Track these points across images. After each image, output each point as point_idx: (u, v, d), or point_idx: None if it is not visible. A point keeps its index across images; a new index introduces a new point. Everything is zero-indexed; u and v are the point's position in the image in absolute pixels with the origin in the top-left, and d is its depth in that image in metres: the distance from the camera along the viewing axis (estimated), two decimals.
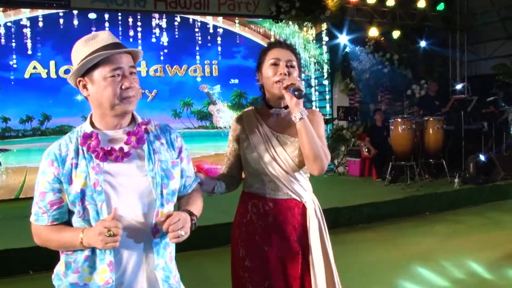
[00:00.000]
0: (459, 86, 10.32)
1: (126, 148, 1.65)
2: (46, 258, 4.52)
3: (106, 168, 1.62)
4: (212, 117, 9.11)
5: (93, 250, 1.61)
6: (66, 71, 7.93)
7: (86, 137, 1.63)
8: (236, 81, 9.23)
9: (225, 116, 9.14)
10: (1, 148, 7.60)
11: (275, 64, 2.10)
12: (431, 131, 7.97)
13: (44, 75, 7.92)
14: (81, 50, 1.63)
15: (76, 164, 1.61)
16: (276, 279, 2.07)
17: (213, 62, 9.08)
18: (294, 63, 2.13)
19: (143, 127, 1.72)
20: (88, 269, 1.62)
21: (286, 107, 2.14)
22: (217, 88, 9.15)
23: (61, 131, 7.98)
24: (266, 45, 2.23)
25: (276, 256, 2.09)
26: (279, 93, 2.06)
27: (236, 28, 9.23)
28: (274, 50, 2.14)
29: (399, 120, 7.85)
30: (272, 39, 8.05)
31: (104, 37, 1.64)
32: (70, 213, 1.66)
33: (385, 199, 6.66)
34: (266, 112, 2.20)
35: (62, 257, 1.69)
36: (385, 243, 5.46)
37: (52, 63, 7.93)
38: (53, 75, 7.95)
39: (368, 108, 10.47)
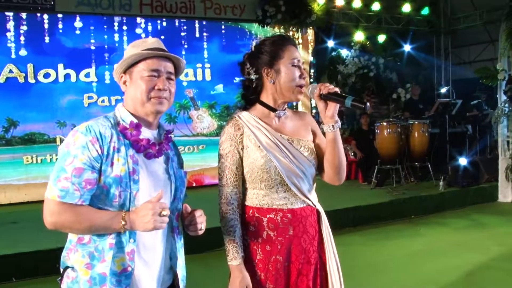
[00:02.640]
0: (443, 90, 10.44)
1: (161, 149, 1.73)
2: (29, 265, 4.52)
3: (140, 161, 1.66)
4: (192, 123, 8.90)
5: (117, 237, 1.59)
6: (46, 75, 7.73)
7: (132, 125, 1.66)
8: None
9: (203, 123, 8.95)
10: None
11: (297, 66, 1.90)
12: (416, 135, 8.04)
13: (21, 80, 7.54)
14: (129, 50, 1.72)
15: (118, 149, 1.62)
16: None
17: (205, 65, 9.00)
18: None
19: (170, 135, 1.80)
20: (112, 257, 1.59)
21: (285, 109, 1.98)
22: (220, 88, 9.07)
23: (31, 140, 7.50)
24: (274, 38, 1.97)
25: (298, 270, 1.94)
26: (297, 97, 1.90)
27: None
28: (292, 48, 1.92)
29: (385, 123, 7.90)
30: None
31: (152, 41, 1.74)
32: (94, 198, 1.60)
33: (371, 202, 6.69)
34: (264, 114, 1.95)
35: (80, 250, 1.60)
36: (371, 246, 5.48)
37: (30, 66, 7.64)
38: (31, 79, 7.62)
39: (354, 112, 10.52)
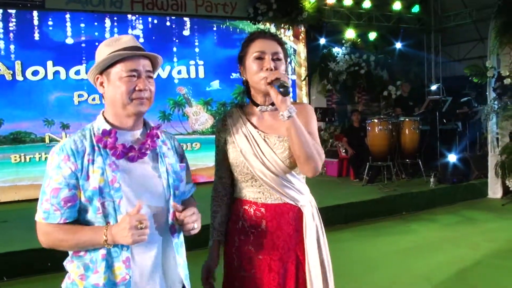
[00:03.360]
0: (434, 87, 10.50)
1: (143, 149, 1.69)
2: (20, 265, 4.50)
3: (122, 167, 1.64)
4: (188, 120, 8.97)
5: (108, 248, 1.59)
6: (35, 72, 7.67)
7: (105, 133, 1.64)
8: (238, 75, 8.96)
9: (201, 118, 9.03)
10: None
11: (260, 58, 1.91)
12: (407, 132, 8.09)
13: (8, 77, 7.46)
14: (103, 50, 1.68)
15: (93, 160, 1.61)
16: None
17: (198, 62, 8.99)
18: (281, 55, 1.94)
19: (155, 131, 1.76)
20: (106, 268, 1.60)
21: (273, 103, 1.92)
22: (216, 84, 9.05)
23: (17, 139, 7.42)
24: (247, 36, 2.01)
25: (269, 266, 1.94)
26: (265, 89, 1.87)
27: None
28: (258, 42, 1.94)
29: (376, 121, 7.94)
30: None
31: (126, 40, 1.69)
32: (81, 212, 1.63)
33: (363, 199, 6.73)
34: (252, 110, 2.01)
35: (76, 261, 1.64)
36: (363, 243, 5.52)
37: (18, 64, 7.56)
38: (19, 77, 7.55)
39: (346, 109, 10.58)
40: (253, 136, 1.94)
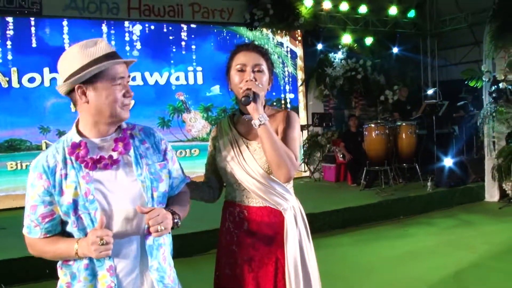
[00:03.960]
0: (430, 91, 10.54)
1: (115, 155, 1.66)
2: (19, 272, 4.49)
3: (96, 177, 1.63)
4: (185, 126, 9.00)
5: (90, 257, 1.61)
6: (31, 79, 7.71)
7: (75, 146, 1.62)
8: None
9: (197, 125, 9.05)
10: None
11: (242, 70, 2.00)
12: (404, 136, 8.12)
13: (4, 84, 7.49)
14: (80, 56, 1.61)
15: (66, 175, 1.61)
16: None
17: (197, 68, 9.03)
18: (263, 67, 2.01)
19: (128, 132, 1.73)
20: (89, 277, 1.62)
21: None
22: (216, 89, 9.06)
23: (11, 147, 7.38)
24: (233, 48, 2.10)
25: (249, 266, 2.01)
26: None
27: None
28: (240, 55, 2.02)
29: (373, 125, 7.97)
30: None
31: (103, 45, 1.64)
32: (64, 223, 1.65)
33: (360, 203, 6.74)
34: (239, 119, 2.12)
35: (64, 269, 1.68)
36: (360, 247, 5.53)
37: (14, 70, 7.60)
38: (15, 84, 7.57)
39: (343, 114, 10.60)
40: (237, 143, 2.04)
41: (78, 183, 1.60)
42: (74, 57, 1.61)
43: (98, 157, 1.64)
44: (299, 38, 10.01)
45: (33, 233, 1.65)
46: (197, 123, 8.99)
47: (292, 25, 9.24)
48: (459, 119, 9.59)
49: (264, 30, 9.38)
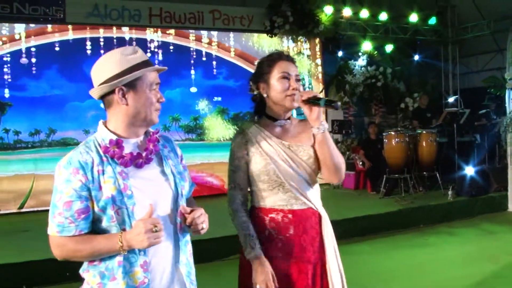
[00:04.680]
0: (451, 99, 10.42)
1: (147, 154, 1.74)
2: (40, 274, 4.57)
3: (131, 174, 1.68)
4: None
5: (124, 255, 1.63)
6: (69, 89, 8.32)
7: (112, 143, 1.68)
8: (220, 98, 9.48)
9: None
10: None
11: (286, 78, 2.07)
12: (424, 144, 8.04)
13: (50, 94, 8.33)
14: (121, 61, 1.68)
15: (103, 171, 1.64)
16: None
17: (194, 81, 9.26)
18: (299, 77, 2.14)
19: (155, 135, 1.81)
20: (123, 274, 1.63)
21: (289, 118, 2.15)
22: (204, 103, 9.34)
23: (65, 143, 8.50)
24: (267, 55, 2.17)
25: (299, 268, 2.05)
26: (291, 106, 2.06)
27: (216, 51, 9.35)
28: (282, 63, 2.10)
29: (393, 133, 7.91)
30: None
31: (140, 53, 1.73)
32: (95, 222, 1.66)
33: (380, 211, 6.69)
34: (268, 124, 2.15)
35: (91, 270, 1.68)
36: (379, 256, 5.48)
37: (55, 83, 8.31)
38: (57, 93, 8.35)
39: (363, 121, 10.55)
40: (279, 146, 2.08)
41: (116, 179, 1.64)
42: (114, 62, 1.69)
43: (135, 153, 1.70)
44: (318, 50, 10.00)
45: (66, 231, 1.62)
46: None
47: (312, 33, 9.26)
48: (481, 127, 9.46)
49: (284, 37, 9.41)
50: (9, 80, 8.18)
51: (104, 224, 1.65)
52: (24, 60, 8.11)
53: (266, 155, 2.06)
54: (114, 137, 1.70)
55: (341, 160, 2.05)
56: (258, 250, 2.01)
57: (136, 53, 1.71)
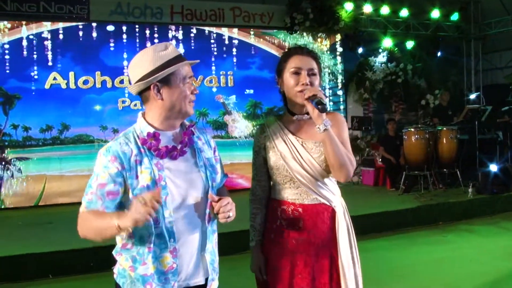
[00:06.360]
0: (473, 96, 10.30)
1: (182, 147, 1.83)
2: (65, 264, 4.72)
3: (166, 165, 1.78)
4: (227, 127, 9.20)
5: (155, 241, 1.73)
6: (85, 82, 8.19)
7: (150, 136, 1.77)
8: (251, 91, 9.30)
9: (240, 126, 9.24)
10: (22, 157, 7.80)
11: (297, 73, 2.08)
12: (444, 141, 7.99)
13: (63, 86, 8.08)
14: (154, 58, 1.77)
15: (140, 161, 1.74)
16: (305, 284, 2.06)
17: (228, 72, 9.21)
18: (316, 71, 2.10)
19: (191, 128, 1.90)
20: (152, 259, 1.74)
21: (308, 113, 2.09)
22: (233, 98, 9.26)
23: (80, 140, 8.13)
24: (286, 50, 2.20)
25: (305, 261, 2.08)
26: (301, 102, 2.05)
27: (251, 39, 9.38)
28: (295, 58, 2.10)
29: (412, 130, 7.89)
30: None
31: (172, 48, 1.81)
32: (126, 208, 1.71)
33: (399, 208, 6.68)
34: (289, 118, 2.18)
35: (124, 254, 1.79)
36: (398, 252, 5.48)
37: (71, 74, 8.11)
38: (72, 85, 8.13)
39: (382, 118, 10.50)
40: (291, 142, 2.11)
41: (152, 170, 1.74)
42: (148, 59, 1.77)
43: (170, 146, 1.79)
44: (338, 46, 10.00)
45: (93, 205, 1.72)
46: (239, 124, 9.18)
47: (332, 29, 9.26)
48: (503, 124, 9.31)
49: (304, 34, 9.42)
50: (17, 69, 7.71)
51: None
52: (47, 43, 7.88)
53: (278, 151, 2.11)
54: (152, 130, 1.79)
55: (346, 159, 2.02)
56: (253, 243, 2.19)
57: (167, 49, 1.80)
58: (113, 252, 1.85)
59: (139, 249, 1.76)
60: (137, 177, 1.73)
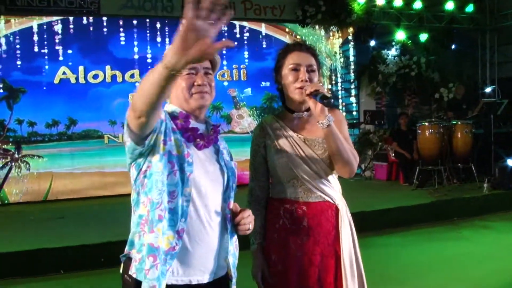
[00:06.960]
0: (488, 89, 10.13)
1: (208, 140, 1.79)
2: (77, 258, 4.72)
3: (191, 151, 1.72)
4: (231, 121, 9.11)
5: (169, 214, 1.63)
6: (95, 76, 8.17)
7: (182, 116, 1.76)
8: (268, 83, 9.11)
9: (244, 122, 9.14)
10: (33, 154, 7.79)
11: (296, 70, 2.05)
12: (459, 135, 7.87)
13: (73, 80, 8.03)
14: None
15: (171, 134, 1.69)
16: (311, 284, 2.03)
17: (241, 66, 9.15)
18: (315, 67, 2.08)
19: (218, 128, 1.87)
20: (160, 230, 1.63)
21: (308, 109, 2.09)
22: (248, 91, 9.18)
23: (88, 135, 8.00)
24: (284, 46, 2.17)
25: (310, 260, 2.05)
26: (300, 99, 2.03)
27: (265, 29, 9.31)
28: (294, 54, 2.08)
29: (426, 124, 7.78)
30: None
31: None
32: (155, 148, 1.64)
33: (412, 203, 6.59)
34: (287, 116, 2.15)
35: (145, 224, 1.67)
36: (411, 248, 5.41)
37: (81, 69, 8.09)
38: (82, 80, 8.09)
39: (395, 112, 10.39)
40: (294, 139, 2.08)
41: (182, 145, 1.69)
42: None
43: (199, 132, 1.76)
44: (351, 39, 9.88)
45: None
46: (243, 121, 9.09)
47: (344, 22, 9.15)
48: None
49: (316, 26, 9.32)
50: (22, 61, 7.52)
51: (156, 175, 1.63)
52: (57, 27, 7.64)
53: (281, 149, 2.08)
54: (184, 111, 1.77)
55: (350, 155, 2.01)
56: (254, 246, 2.14)
57: None
58: (130, 238, 1.72)
59: (153, 214, 1.63)
60: (170, 139, 1.66)
